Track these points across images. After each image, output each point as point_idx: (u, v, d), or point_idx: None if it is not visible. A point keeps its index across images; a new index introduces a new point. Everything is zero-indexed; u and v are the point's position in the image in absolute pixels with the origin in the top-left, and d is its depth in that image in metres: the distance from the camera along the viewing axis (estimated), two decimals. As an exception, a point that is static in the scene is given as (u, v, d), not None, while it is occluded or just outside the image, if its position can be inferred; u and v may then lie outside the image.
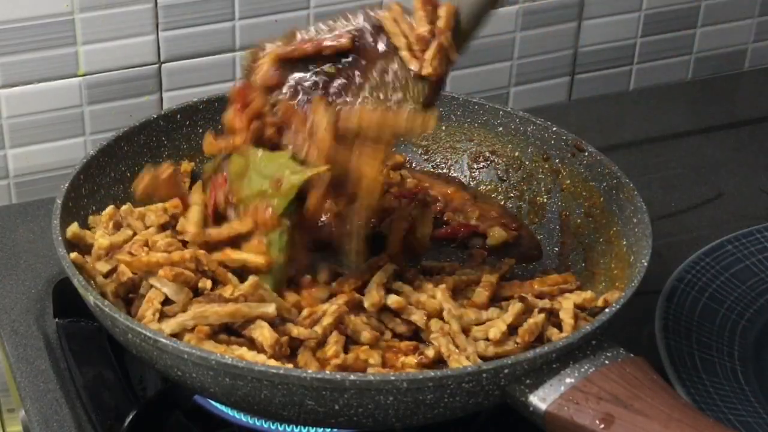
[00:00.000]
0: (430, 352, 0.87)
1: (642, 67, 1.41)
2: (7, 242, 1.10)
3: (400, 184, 1.07)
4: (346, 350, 0.86)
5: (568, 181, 1.06)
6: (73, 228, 0.94)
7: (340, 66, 0.92)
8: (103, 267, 0.91)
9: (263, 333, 0.84)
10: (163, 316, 0.88)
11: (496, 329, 0.88)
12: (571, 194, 1.05)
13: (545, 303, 0.91)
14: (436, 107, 0.92)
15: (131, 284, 0.90)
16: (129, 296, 0.91)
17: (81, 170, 0.98)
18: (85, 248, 0.94)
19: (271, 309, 0.86)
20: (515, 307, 0.90)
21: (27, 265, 1.07)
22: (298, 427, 0.89)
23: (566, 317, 0.90)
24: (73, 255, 0.90)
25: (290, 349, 0.86)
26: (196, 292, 0.89)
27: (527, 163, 1.09)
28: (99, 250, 0.93)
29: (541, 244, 1.05)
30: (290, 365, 0.83)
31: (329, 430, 0.87)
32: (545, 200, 1.07)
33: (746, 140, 1.31)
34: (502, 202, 1.09)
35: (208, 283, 0.89)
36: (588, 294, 0.93)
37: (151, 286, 0.89)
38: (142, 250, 0.92)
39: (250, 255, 0.90)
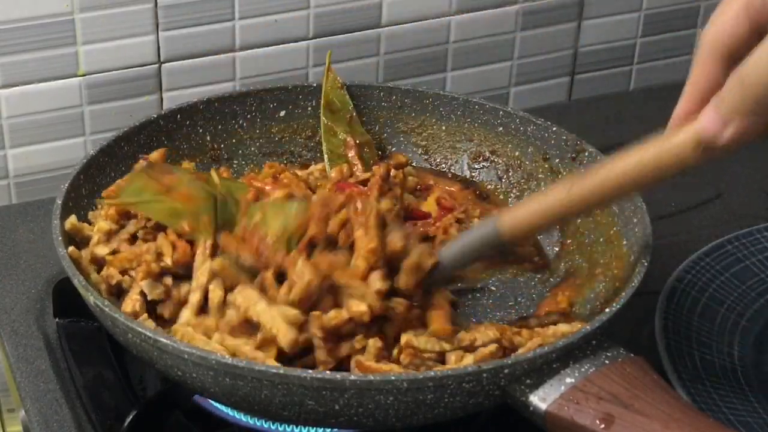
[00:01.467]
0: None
1: (642, 67, 1.41)
2: (7, 242, 1.10)
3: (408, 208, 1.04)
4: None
5: (568, 181, 1.06)
6: (72, 220, 0.94)
7: None
8: (102, 251, 0.92)
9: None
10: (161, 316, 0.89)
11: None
12: (571, 194, 1.05)
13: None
14: None
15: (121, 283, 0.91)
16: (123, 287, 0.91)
17: (81, 170, 0.98)
18: (82, 241, 0.94)
19: (284, 342, 0.84)
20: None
21: (27, 265, 1.07)
22: (299, 427, 0.89)
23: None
24: (70, 249, 0.90)
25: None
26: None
27: (527, 163, 1.09)
28: (99, 233, 0.93)
29: (541, 244, 1.05)
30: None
31: (329, 430, 0.87)
32: (545, 200, 1.07)
33: (746, 140, 1.31)
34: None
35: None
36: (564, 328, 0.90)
37: (132, 280, 0.90)
38: (128, 244, 0.92)
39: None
